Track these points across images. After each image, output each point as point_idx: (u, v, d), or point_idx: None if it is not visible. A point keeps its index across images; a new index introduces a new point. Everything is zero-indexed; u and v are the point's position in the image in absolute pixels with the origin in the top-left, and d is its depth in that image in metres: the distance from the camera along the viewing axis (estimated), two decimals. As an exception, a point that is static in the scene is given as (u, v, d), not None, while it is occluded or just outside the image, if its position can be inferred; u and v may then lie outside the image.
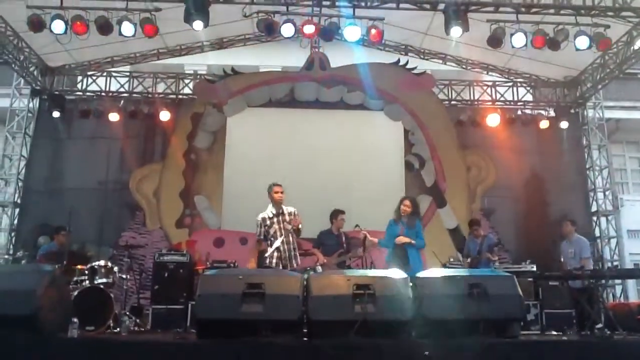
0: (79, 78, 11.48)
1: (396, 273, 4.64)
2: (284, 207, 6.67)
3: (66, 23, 8.05)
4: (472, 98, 11.72)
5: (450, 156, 11.01)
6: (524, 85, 11.70)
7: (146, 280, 8.63)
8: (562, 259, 8.54)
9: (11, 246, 10.05)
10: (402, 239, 6.70)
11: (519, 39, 8.51)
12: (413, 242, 6.72)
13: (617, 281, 10.24)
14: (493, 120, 11.08)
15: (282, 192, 6.65)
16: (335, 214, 7.89)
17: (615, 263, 10.60)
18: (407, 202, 6.93)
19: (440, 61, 11.40)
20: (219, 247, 9.97)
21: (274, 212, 6.61)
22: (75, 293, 6.14)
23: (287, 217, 6.63)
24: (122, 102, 11.15)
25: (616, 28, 8.76)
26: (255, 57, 12.60)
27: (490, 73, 11.61)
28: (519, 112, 11.56)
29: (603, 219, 10.97)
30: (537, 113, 11.57)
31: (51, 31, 8.14)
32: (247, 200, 9.71)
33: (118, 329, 6.18)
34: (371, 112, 11.10)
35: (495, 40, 8.58)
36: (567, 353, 4.16)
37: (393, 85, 11.13)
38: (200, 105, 11.08)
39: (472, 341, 4.12)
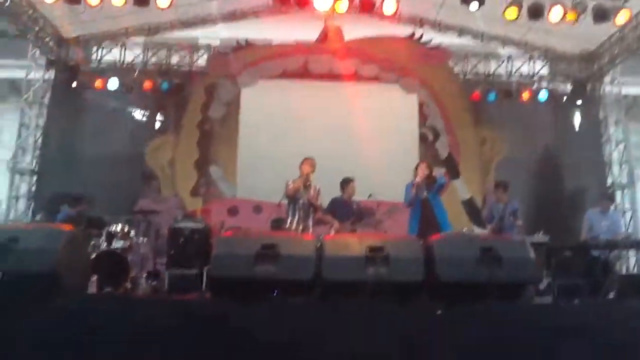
0: (94, 49, 11.51)
1: (409, 236, 4.68)
2: (312, 181, 7.16)
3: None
4: (487, 72, 11.63)
5: (464, 129, 11.02)
6: (541, 58, 11.57)
7: (162, 246, 8.72)
8: (586, 228, 8.44)
9: (30, 212, 10.24)
10: None
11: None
12: None
13: (631, 253, 10.18)
14: (508, 93, 11.02)
15: (312, 167, 7.16)
16: (347, 182, 7.84)
17: (630, 237, 10.55)
18: (423, 166, 6.92)
19: (456, 34, 11.30)
20: (233, 216, 10.06)
21: (303, 182, 7.10)
22: (93, 256, 6.24)
23: (311, 192, 7.11)
24: (136, 73, 11.20)
25: (635, 1, 8.61)
26: (269, 29, 12.48)
27: (506, 46, 11.48)
28: (535, 86, 11.46)
29: (618, 193, 10.91)
30: (553, 87, 11.47)
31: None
32: (261, 170, 9.84)
33: (135, 292, 6.30)
34: (386, 84, 11.06)
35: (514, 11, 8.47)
36: (580, 316, 4.18)
37: (407, 58, 11.12)
38: (214, 77, 11.11)
39: (484, 304, 4.15)
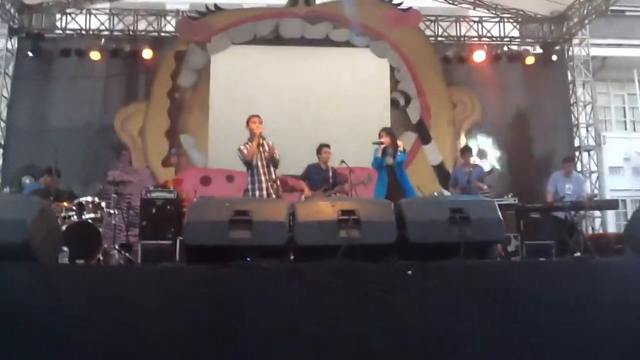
0: (58, 16, 11.17)
1: (380, 199, 4.73)
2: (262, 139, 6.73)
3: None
4: (458, 34, 11.66)
5: (436, 93, 11.05)
6: (511, 20, 11.61)
7: (134, 217, 8.67)
8: (550, 190, 8.63)
9: (-4, 186, 10.05)
10: None
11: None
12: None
13: (597, 214, 10.48)
14: (479, 56, 11.09)
15: (259, 123, 6.69)
16: (320, 148, 7.85)
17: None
18: (382, 133, 6.93)
19: (427, -4, 11.28)
20: (205, 185, 10.04)
21: (257, 144, 6.66)
22: (64, 228, 6.16)
23: (266, 148, 6.75)
24: (103, 40, 10.93)
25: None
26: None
27: (477, 8, 11.51)
28: (505, 49, 11.53)
29: (585, 154, 11.14)
30: (523, 49, 11.56)
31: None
32: (233, 138, 9.62)
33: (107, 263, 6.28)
34: (357, 49, 11.00)
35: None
36: (545, 272, 4.29)
37: (379, 21, 11.03)
38: (183, 43, 10.92)
39: (453, 262, 4.24)
